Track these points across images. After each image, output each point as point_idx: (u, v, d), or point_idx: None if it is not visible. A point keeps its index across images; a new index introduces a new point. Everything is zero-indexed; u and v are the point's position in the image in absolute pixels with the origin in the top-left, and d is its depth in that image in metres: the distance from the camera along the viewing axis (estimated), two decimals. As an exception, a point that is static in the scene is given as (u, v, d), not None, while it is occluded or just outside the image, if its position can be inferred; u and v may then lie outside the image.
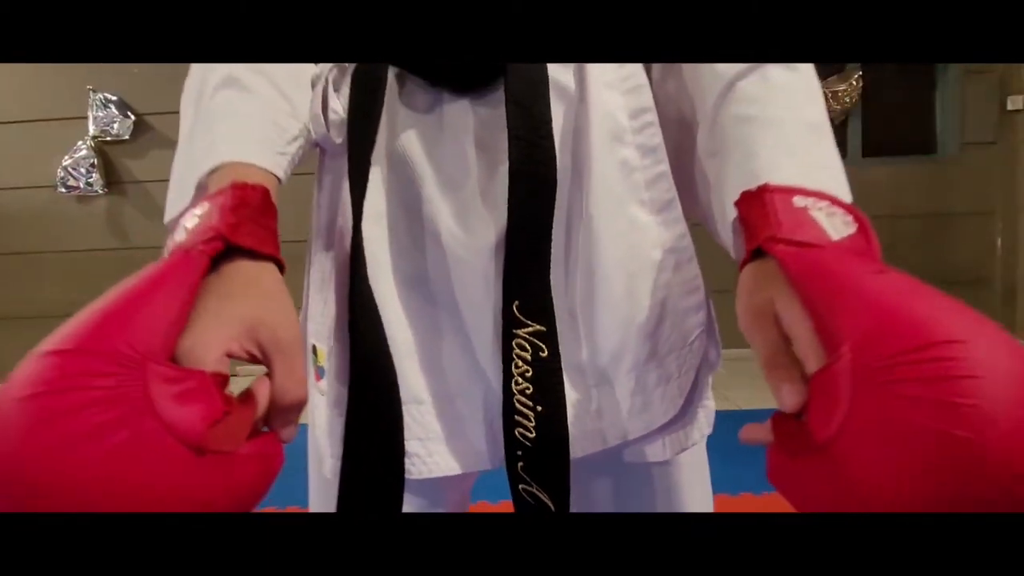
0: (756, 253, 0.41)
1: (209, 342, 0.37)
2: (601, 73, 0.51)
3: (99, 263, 4.51)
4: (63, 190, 4.36)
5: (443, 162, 0.50)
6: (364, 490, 0.47)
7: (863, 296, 0.34)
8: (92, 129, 4.34)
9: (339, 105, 0.52)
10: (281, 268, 0.43)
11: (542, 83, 0.47)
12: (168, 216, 0.52)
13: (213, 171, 0.45)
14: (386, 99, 0.50)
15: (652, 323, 0.51)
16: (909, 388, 0.30)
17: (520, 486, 0.47)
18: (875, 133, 4.40)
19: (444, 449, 0.53)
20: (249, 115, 0.48)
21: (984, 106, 4.23)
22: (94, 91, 4.35)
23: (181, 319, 0.36)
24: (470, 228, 0.49)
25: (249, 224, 0.40)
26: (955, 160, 4.30)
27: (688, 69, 0.53)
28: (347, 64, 0.53)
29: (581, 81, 0.50)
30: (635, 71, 0.53)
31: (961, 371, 0.29)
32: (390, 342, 0.48)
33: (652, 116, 0.53)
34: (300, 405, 0.41)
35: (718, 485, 0.66)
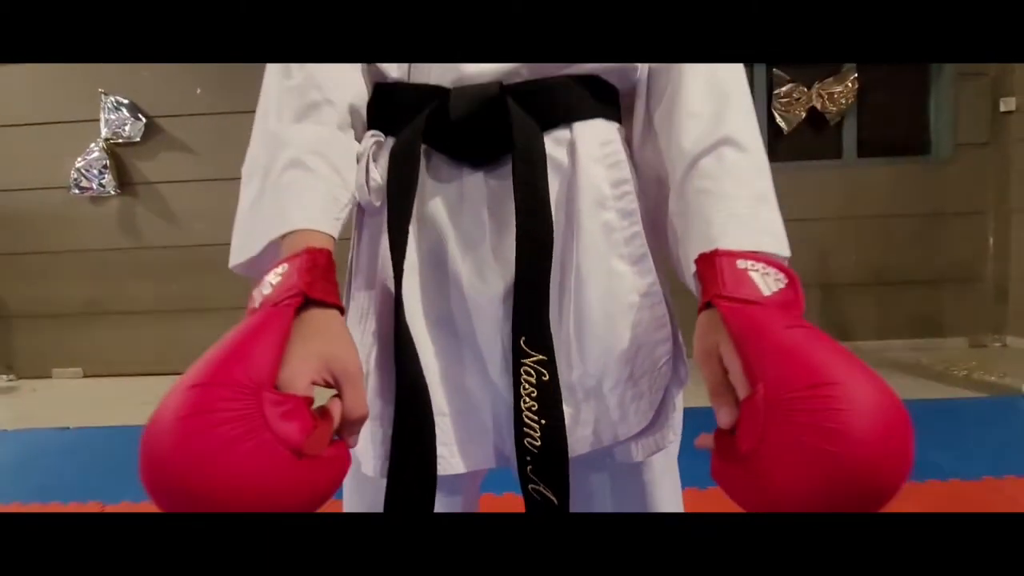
0: (708, 304, 0.52)
1: (299, 375, 0.48)
2: (588, 150, 0.61)
3: (113, 262, 4.62)
4: (76, 191, 4.46)
5: (463, 226, 0.61)
6: (408, 483, 0.58)
7: (777, 346, 0.46)
8: (104, 131, 4.44)
9: (378, 174, 0.62)
10: (342, 311, 0.54)
11: (541, 161, 0.57)
12: (234, 261, 0.63)
13: (285, 235, 0.56)
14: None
15: (629, 352, 0.62)
16: (802, 416, 0.42)
17: (530, 486, 0.58)
18: (870, 134, 4.47)
19: (462, 451, 0.64)
20: (313, 191, 0.58)
21: (977, 108, 4.30)
22: (105, 94, 4.45)
23: (279, 357, 0.47)
24: (485, 279, 0.60)
25: (320, 282, 0.51)
26: (949, 161, 4.37)
27: (663, 139, 0.64)
28: (384, 139, 0.64)
29: (572, 155, 0.61)
30: (617, 148, 0.64)
31: (838, 405, 0.41)
32: (424, 369, 0.59)
33: (629, 186, 0.64)
34: (363, 420, 0.52)
35: (693, 479, 0.77)
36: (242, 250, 0.61)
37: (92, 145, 4.44)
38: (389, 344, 0.59)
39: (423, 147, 0.60)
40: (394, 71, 0.62)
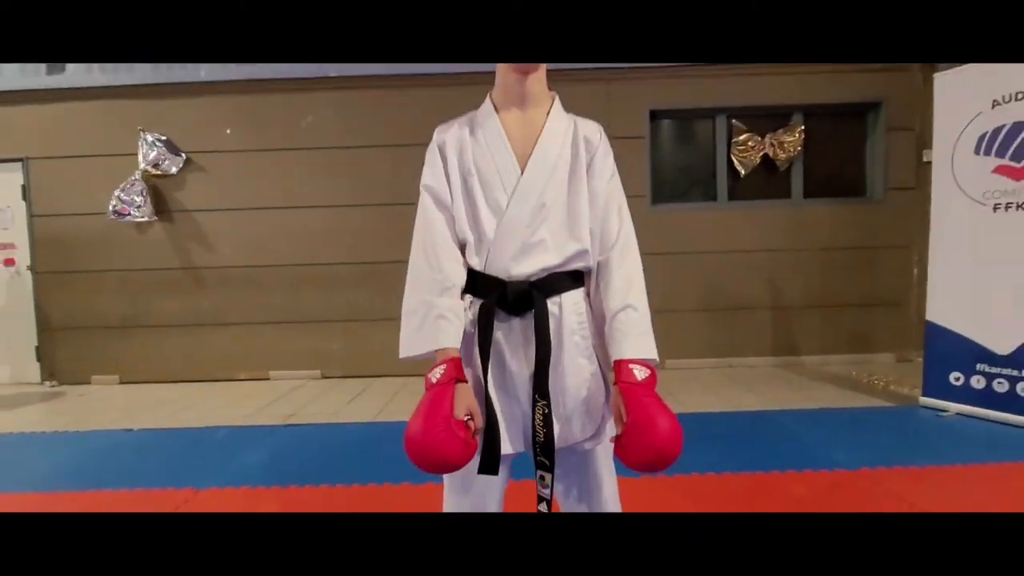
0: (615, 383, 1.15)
1: (459, 412, 1.11)
2: (568, 308, 1.22)
3: (147, 280, 5.13)
4: (113, 216, 4.96)
5: (511, 343, 1.22)
6: (488, 452, 1.18)
7: (640, 406, 1.09)
8: (143, 165, 4.96)
9: (471, 318, 1.23)
10: (463, 381, 1.16)
11: (545, 316, 1.19)
12: (404, 354, 1.23)
13: (440, 349, 1.17)
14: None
15: (584, 400, 1.24)
16: (638, 430, 1.06)
17: (537, 458, 1.20)
18: (815, 178, 5.14)
19: (511, 441, 1.26)
20: (452, 329, 1.19)
21: (904, 157, 4.99)
22: (144, 131, 4.98)
23: (452, 405, 1.10)
24: (521, 367, 1.21)
25: (459, 371, 1.15)
26: (880, 202, 5.07)
27: (601, 300, 1.23)
28: (474, 299, 1.23)
29: (560, 311, 1.23)
30: (582, 307, 1.23)
31: (654, 426, 1.05)
32: (495, 406, 1.21)
33: (586, 324, 1.25)
34: (480, 428, 1.15)
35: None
36: (411, 351, 1.22)
37: (132, 176, 4.96)
38: (481, 395, 1.21)
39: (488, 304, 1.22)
40: (476, 265, 1.23)
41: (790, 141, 5.07)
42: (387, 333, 5.28)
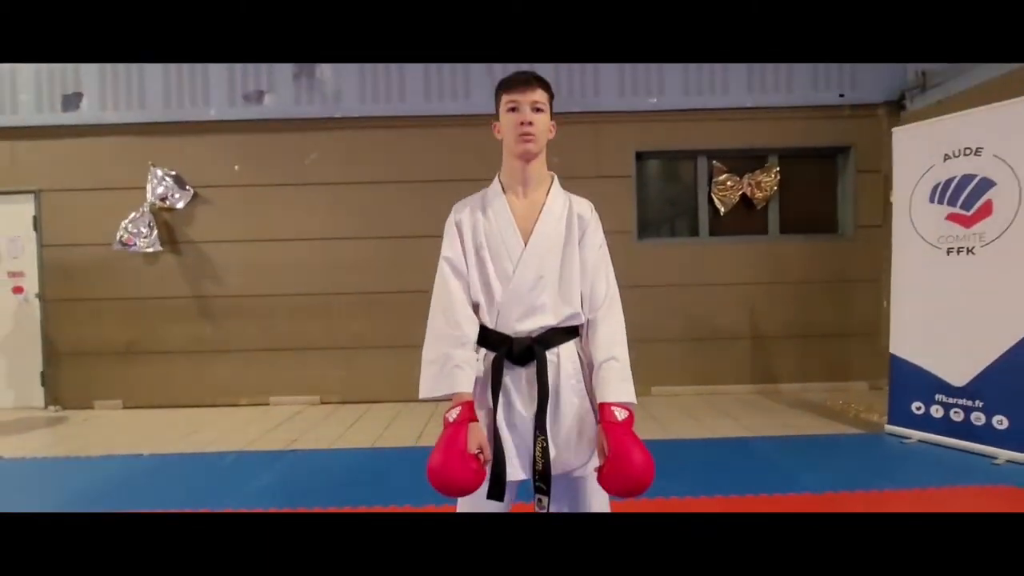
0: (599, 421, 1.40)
1: (472, 446, 1.38)
2: (565, 358, 1.44)
3: (151, 308, 5.31)
4: (119, 246, 5.17)
5: (518, 388, 1.46)
6: (496, 480, 1.40)
7: (619, 442, 1.33)
8: (151, 198, 5.19)
9: (482, 368, 1.47)
10: (475, 421, 1.40)
11: (545, 365, 1.43)
12: (425, 395, 1.47)
13: (456, 393, 1.41)
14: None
15: (578, 433, 1.48)
16: (617, 465, 1.30)
17: (536, 485, 1.43)
18: (790, 215, 5.47)
19: (512, 469, 1.48)
20: (467, 377, 1.42)
21: (873, 198, 5.32)
22: (153, 166, 5.21)
23: (466, 441, 1.34)
24: (526, 407, 1.44)
25: (472, 413, 1.38)
26: (851, 239, 5.39)
27: (591, 350, 1.47)
28: (486, 352, 1.47)
29: (558, 361, 1.46)
30: (575, 357, 1.47)
31: (629, 462, 1.29)
32: (502, 440, 1.44)
33: (579, 370, 1.50)
34: (488, 460, 1.38)
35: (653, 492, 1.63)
36: (431, 393, 1.45)
37: (141, 208, 5.18)
38: (491, 431, 1.44)
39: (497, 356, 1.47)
40: (487, 323, 1.47)
41: (767, 181, 5.40)
42: (385, 361, 5.55)
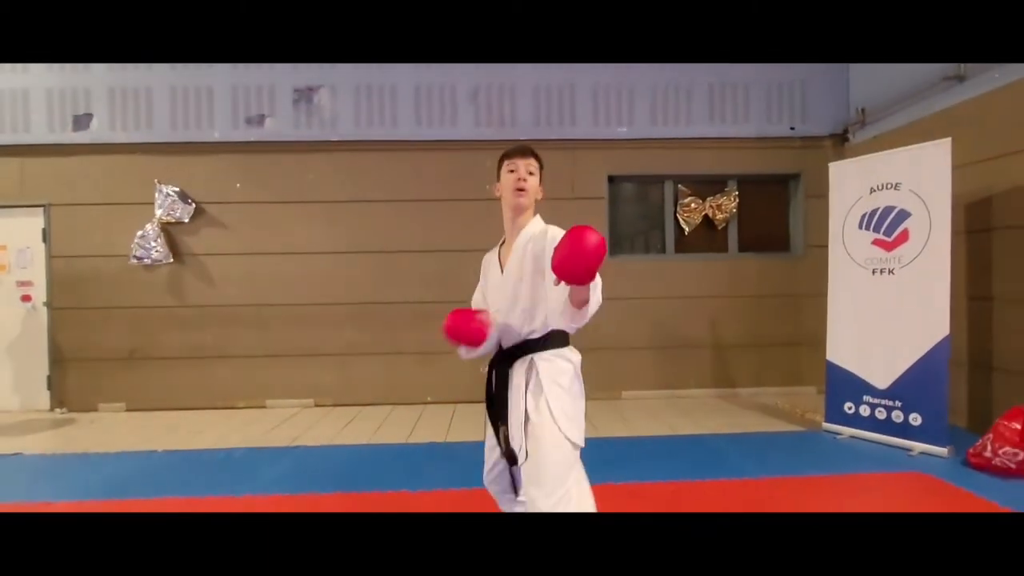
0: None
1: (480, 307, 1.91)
2: (540, 359, 1.88)
3: (156, 317, 5.65)
4: (134, 260, 5.52)
5: (518, 379, 1.89)
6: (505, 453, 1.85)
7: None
8: (158, 213, 5.54)
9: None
10: None
11: (508, 371, 1.87)
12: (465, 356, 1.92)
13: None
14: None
15: (537, 397, 1.93)
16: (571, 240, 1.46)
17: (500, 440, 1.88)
18: (747, 235, 6.02)
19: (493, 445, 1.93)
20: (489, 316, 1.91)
21: (820, 220, 5.80)
22: (160, 183, 5.57)
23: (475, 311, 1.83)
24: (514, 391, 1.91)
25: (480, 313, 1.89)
26: (802, 257, 5.96)
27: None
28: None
29: (533, 359, 1.88)
30: (551, 357, 1.93)
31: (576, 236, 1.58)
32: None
33: (558, 372, 1.92)
34: (492, 323, 1.90)
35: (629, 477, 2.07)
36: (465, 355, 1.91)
37: (148, 224, 5.53)
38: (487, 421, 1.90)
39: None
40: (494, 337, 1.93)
41: (726, 204, 5.95)
42: (376, 365, 6.01)
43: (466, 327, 1.80)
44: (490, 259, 2.07)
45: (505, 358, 1.90)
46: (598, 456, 2.74)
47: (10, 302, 5.64)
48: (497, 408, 1.88)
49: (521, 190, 1.90)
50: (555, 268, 1.43)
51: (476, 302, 2.08)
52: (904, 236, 3.90)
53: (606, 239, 1.74)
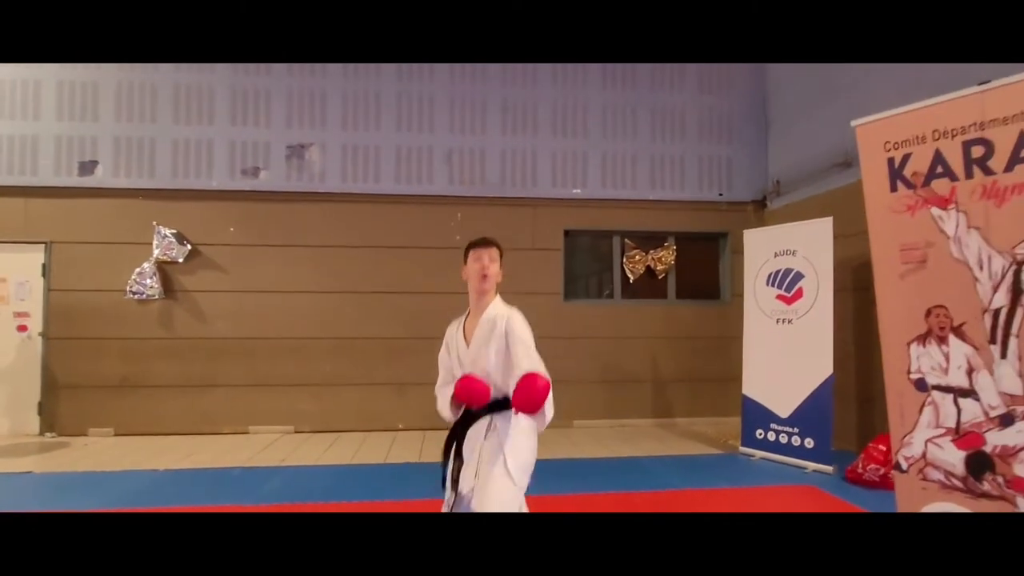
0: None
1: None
2: (498, 417, 2.40)
3: (148, 348, 6.09)
4: (131, 295, 5.99)
5: (477, 431, 2.30)
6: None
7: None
8: (156, 252, 6.05)
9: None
10: None
11: (466, 427, 2.37)
12: (440, 406, 2.46)
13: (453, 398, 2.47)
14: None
15: (495, 451, 2.53)
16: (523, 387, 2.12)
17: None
18: (684, 284, 6.91)
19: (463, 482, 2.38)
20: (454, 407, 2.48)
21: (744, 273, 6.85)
22: (158, 225, 6.09)
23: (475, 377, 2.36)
24: (475, 441, 2.45)
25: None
26: (729, 304, 6.87)
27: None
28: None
29: (492, 418, 2.36)
30: (508, 414, 2.60)
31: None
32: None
33: (509, 423, 2.55)
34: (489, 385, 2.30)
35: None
36: (444, 402, 2.43)
37: (146, 262, 6.03)
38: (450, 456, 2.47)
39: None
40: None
41: (666, 257, 6.85)
42: (352, 395, 6.65)
43: (475, 388, 2.08)
44: (454, 332, 2.34)
45: (470, 417, 2.26)
46: (551, 473, 3.43)
47: (6, 332, 6.00)
48: (455, 456, 2.22)
49: (485, 276, 2.24)
50: (515, 405, 1.98)
51: (442, 359, 2.39)
52: (800, 293, 4.81)
53: (549, 381, 2.06)
